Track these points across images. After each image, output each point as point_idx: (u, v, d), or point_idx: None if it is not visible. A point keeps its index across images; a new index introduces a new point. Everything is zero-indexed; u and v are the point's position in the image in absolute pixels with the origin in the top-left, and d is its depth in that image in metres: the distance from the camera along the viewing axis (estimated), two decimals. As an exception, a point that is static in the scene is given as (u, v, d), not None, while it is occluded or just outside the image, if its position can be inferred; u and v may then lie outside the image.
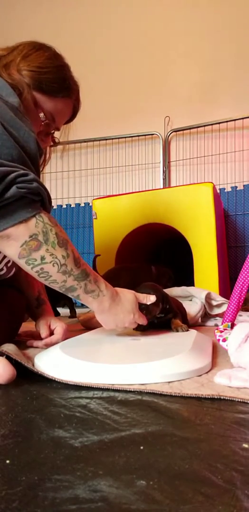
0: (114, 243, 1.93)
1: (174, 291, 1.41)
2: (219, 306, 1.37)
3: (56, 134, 0.97)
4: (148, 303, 0.84)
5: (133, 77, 2.73)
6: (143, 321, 0.82)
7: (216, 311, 1.36)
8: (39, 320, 0.94)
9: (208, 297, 1.36)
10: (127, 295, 0.80)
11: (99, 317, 0.78)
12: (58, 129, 0.94)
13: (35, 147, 0.70)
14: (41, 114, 0.86)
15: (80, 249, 2.70)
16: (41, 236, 0.65)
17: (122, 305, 0.78)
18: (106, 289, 0.75)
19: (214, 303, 1.37)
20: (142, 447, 0.37)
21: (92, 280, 0.73)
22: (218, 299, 1.38)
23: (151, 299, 0.85)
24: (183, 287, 1.42)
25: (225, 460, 0.34)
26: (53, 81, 0.85)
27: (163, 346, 0.74)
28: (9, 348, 0.65)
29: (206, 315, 1.37)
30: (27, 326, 1.06)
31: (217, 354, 0.77)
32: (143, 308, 0.84)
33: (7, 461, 0.34)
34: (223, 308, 1.35)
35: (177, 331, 0.92)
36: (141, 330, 0.88)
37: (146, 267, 1.73)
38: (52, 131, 0.93)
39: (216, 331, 0.84)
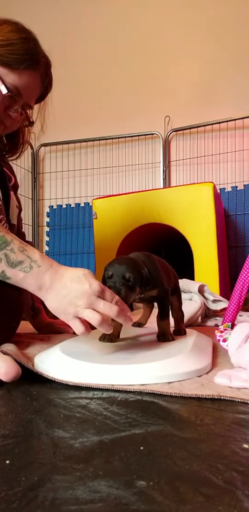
0: (114, 243, 1.93)
1: None
2: (215, 302, 1.37)
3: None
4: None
5: (133, 77, 2.73)
6: (110, 295, 0.61)
7: (212, 306, 1.36)
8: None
9: (201, 289, 1.37)
10: (72, 268, 0.63)
11: (47, 302, 0.62)
12: (30, 107, 0.90)
13: None
14: (3, 87, 0.81)
15: (80, 249, 2.70)
16: None
17: (71, 273, 0.61)
18: (41, 259, 0.61)
19: (210, 297, 1.37)
20: (141, 447, 0.36)
21: (15, 248, 0.59)
22: (215, 296, 1.38)
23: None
24: (183, 279, 1.42)
25: (225, 461, 0.34)
26: (14, 52, 0.81)
27: (163, 347, 0.73)
28: (9, 348, 0.65)
29: (206, 315, 1.37)
30: (27, 326, 1.06)
31: (217, 354, 0.77)
32: (111, 287, 0.65)
33: (7, 461, 0.34)
34: (220, 305, 1.35)
35: (159, 340, 0.77)
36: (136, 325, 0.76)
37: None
38: (24, 109, 0.88)
39: (216, 331, 0.84)
